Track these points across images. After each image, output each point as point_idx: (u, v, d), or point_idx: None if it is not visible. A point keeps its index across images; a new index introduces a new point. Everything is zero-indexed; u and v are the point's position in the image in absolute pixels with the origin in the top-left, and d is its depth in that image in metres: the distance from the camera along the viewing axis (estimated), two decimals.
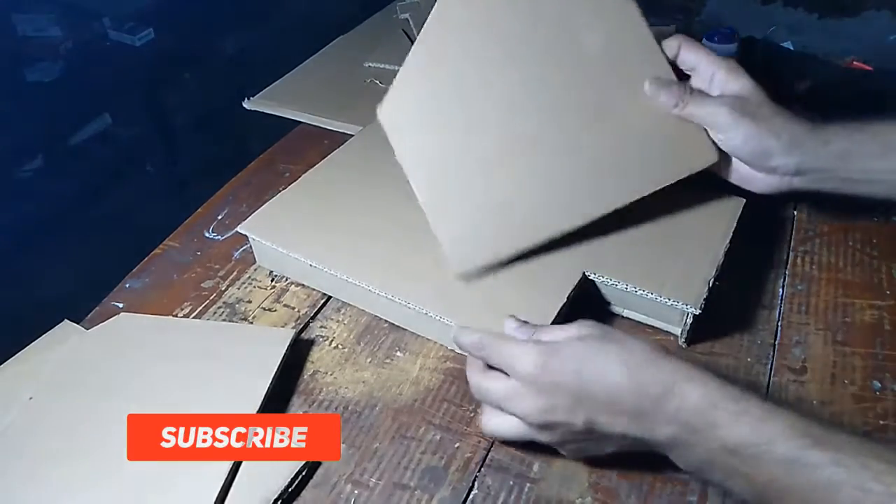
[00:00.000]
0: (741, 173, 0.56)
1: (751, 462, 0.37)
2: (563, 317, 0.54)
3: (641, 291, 0.54)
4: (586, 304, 0.57)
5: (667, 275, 0.54)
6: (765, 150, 0.53)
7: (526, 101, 0.55)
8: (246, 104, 0.90)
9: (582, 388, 0.42)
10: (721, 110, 0.53)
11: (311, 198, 0.66)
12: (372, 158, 0.70)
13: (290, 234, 0.62)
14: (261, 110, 0.89)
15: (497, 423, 0.46)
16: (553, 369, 0.42)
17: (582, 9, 0.54)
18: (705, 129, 0.55)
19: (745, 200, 0.60)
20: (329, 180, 0.68)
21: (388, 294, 0.56)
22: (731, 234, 0.58)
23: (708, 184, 0.59)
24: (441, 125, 0.55)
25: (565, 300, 0.54)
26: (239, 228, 0.63)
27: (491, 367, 0.46)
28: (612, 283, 0.55)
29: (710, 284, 0.53)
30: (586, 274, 0.56)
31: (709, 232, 0.58)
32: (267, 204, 0.65)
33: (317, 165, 0.70)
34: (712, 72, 0.54)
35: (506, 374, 0.45)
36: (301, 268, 0.61)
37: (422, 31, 0.54)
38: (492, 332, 0.47)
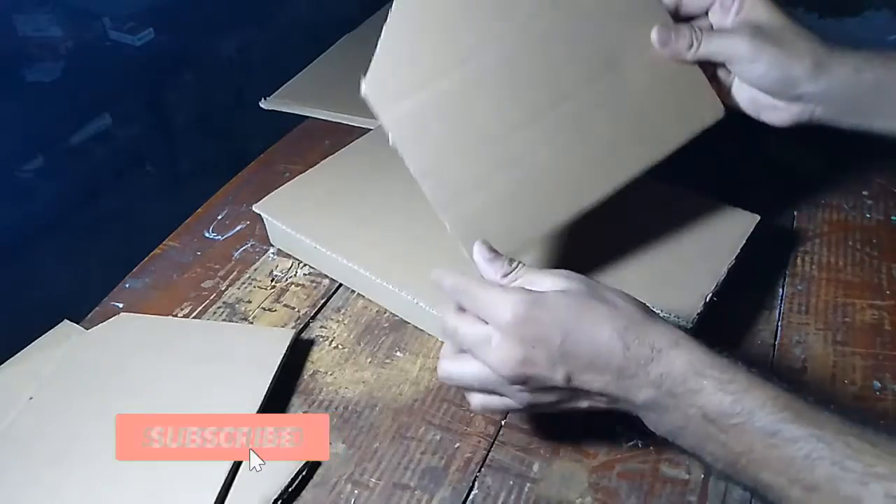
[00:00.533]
0: (760, 104, 0.52)
1: (729, 431, 0.37)
2: None
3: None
4: None
5: (665, 286, 0.54)
6: (789, 77, 0.49)
7: (526, 58, 0.49)
8: (263, 104, 0.90)
9: (566, 343, 0.40)
10: (740, 40, 0.50)
11: (329, 183, 0.67)
12: (393, 152, 0.70)
13: (303, 217, 0.63)
14: (279, 109, 0.90)
15: (458, 368, 0.43)
16: (537, 321, 0.40)
17: None
18: (712, 77, 0.53)
19: (758, 218, 0.59)
20: (348, 167, 0.69)
21: (391, 285, 0.56)
22: (739, 250, 0.56)
23: (724, 198, 0.60)
24: (434, 93, 0.48)
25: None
26: (254, 207, 0.64)
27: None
28: None
29: (707, 300, 0.53)
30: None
31: (716, 246, 0.57)
32: (284, 185, 0.66)
33: (338, 152, 0.71)
34: (731, 1, 0.51)
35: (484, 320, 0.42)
36: (309, 251, 0.62)
37: None
38: (471, 276, 0.44)
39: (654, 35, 0.51)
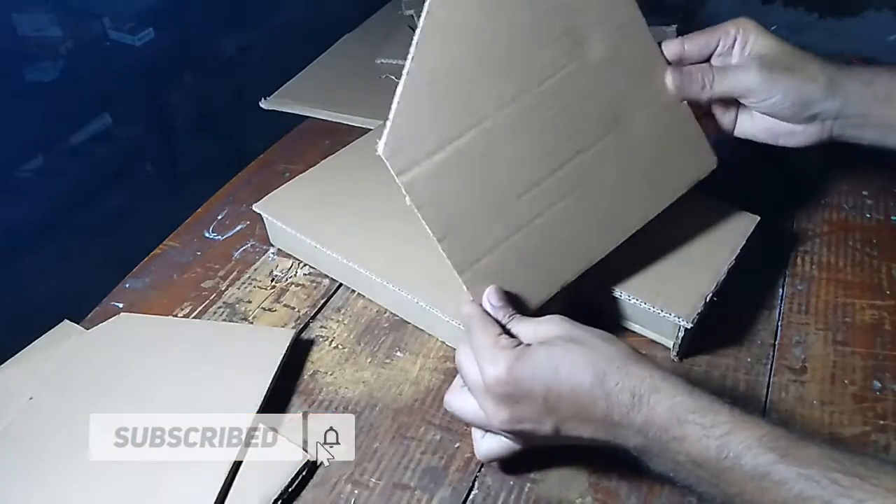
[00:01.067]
0: (778, 130, 0.54)
1: (719, 475, 0.37)
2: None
3: (634, 300, 0.53)
4: (584, 314, 0.56)
5: (664, 286, 0.54)
6: (805, 99, 0.51)
7: (539, 115, 0.50)
8: (263, 104, 0.90)
9: (549, 399, 0.41)
10: (752, 74, 0.51)
11: (329, 183, 0.67)
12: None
13: (303, 217, 0.63)
14: (279, 109, 0.90)
15: (459, 403, 0.45)
16: (520, 378, 0.41)
17: (584, 13, 0.50)
18: (725, 114, 0.55)
19: (758, 218, 0.59)
20: (348, 167, 0.69)
21: (391, 285, 0.56)
22: (739, 251, 0.56)
23: (724, 197, 0.60)
24: (451, 154, 0.48)
25: (558, 289, 0.52)
26: (255, 206, 0.65)
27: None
28: (612, 292, 0.55)
29: (707, 300, 0.52)
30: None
31: (716, 247, 0.57)
32: (284, 185, 0.67)
33: (338, 152, 0.71)
34: (732, 40, 0.52)
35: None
36: (309, 251, 0.63)
37: (412, 51, 0.47)
38: (481, 313, 0.46)
39: (668, 79, 0.52)
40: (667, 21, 0.92)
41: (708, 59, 0.54)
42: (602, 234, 0.53)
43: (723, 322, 0.56)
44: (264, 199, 0.65)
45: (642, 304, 0.53)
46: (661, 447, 0.39)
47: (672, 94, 0.53)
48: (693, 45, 0.53)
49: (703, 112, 0.56)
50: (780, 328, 0.57)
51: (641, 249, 0.57)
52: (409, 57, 0.45)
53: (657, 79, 0.53)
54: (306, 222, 0.63)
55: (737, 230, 0.58)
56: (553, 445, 0.45)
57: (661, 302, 0.52)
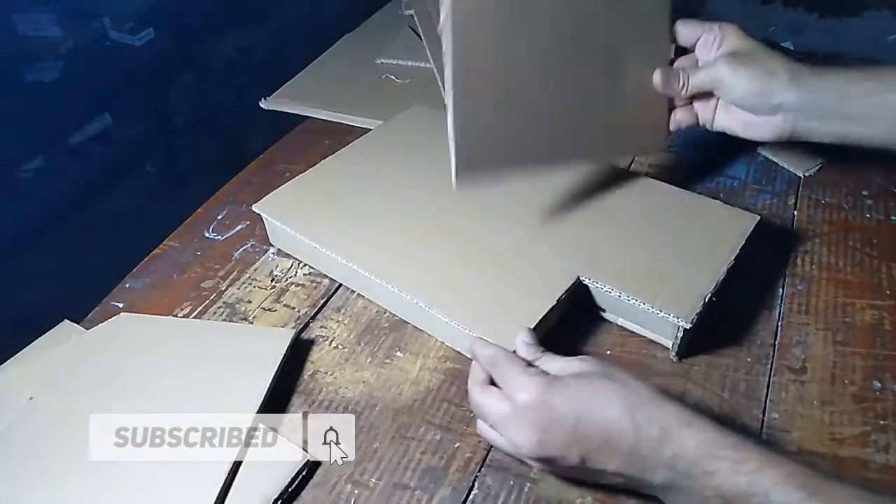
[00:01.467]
0: (748, 123, 0.59)
1: None
2: (554, 320, 0.54)
3: (633, 300, 0.53)
4: (582, 309, 0.57)
5: (663, 286, 0.54)
6: (766, 89, 0.56)
7: (569, 26, 0.56)
8: (263, 104, 0.90)
9: (578, 428, 0.41)
10: (718, 68, 0.58)
11: (329, 183, 0.67)
12: (393, 152, 0.71)
13: (303, 217, 0.63)
14: (279, 109, 0.90)
15: (491, 434, 0.46)
16: (550, 405, 0.42)
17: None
18: (704, 107, 0.62)
19: (758, 218, 0.59)
20: (348, 167, 0.69)
21: (390, 285, 0.56)
22: (738, 250, 0.56)
23: (724, 196, 0.61)
24: (501, 18, 0.53)
25: (555, 303, 0.53)
26: (254, 207, 0.65)
27: (493, 383, 0.46)
28: (605, 289, 0.55)
29: (706, 300, 0.52)
30: (581, 278, 0.55)
31: (716, 246, 0.57)
32: (284, 185, 0.67)
33: (338, 152, 0.71)
34: (713, 37, 0.59)
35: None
36: (309, 251, 0.63)
37: None
38: (504, 350, 0.47)
39: (655, 77, 0.60)
40: None
41: (693, 46, 0.61)
42: (566, 145, 0.59)
43: (723, 322, 0.56)
44: (264, 199, 0.65)
45: (641, 304, 0.53)
46: (690, 482, 0.39)
47: (657, 88, 0.60)
48: (684, 30, 0.60)
49: (685, 104, 0.62)
50: (780, 328, 0.57)
51: (640, 249, 0.57)
52: None
53: (659, 54, 0.61)
54: (306, 222, 0.63)
55: (736, 230, 0.58)
56: (576, 478, 0.46)
57: (660, 302, 0.52)
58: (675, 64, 0.62)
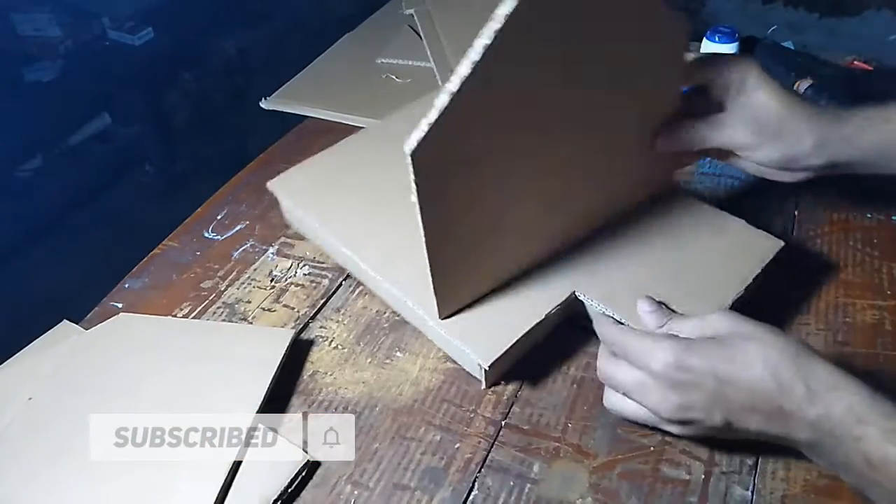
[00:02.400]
0: (766, 172, 0.56)
1: (894, 479, 0.37)
2: (544, 331, 0.54)
3: (623, 320, 0.51)
4: (578, 328, 0.56)
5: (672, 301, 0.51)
6: (792, 158, 0.53)
7: (565, 121, 0.49)
8: (263, 104, 0.90)
9: (721, 388, 0.41)
10: (738, 133, 0.53)
11: (345, 164, 0.67)
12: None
13: (314, 199, 0.63)
14: (279, 109, 0.90)
15: (622, 403, 0.46)
16: (689, 367, 0.42)
17: (631, 20, 0.48)
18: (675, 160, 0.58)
19: (782, 244, 0.56)
20: (367, 148, 0.69)
21: (385, 281, 0.56)
22: (751, 280, 0.53)
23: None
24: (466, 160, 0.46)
25: (542, 318, 0.52)
26: (268, 184, 0.65)
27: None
28: (598, 306, 0.53)
29: None
30: (576, 293, 0.54)
31: (728, 272, 0.54)
32: (302, 163, 0.67)
33: (357, 132, 0.71)
34: (731, 83, 0.53)
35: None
36: (315, 233, 0.63)
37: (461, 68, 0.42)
38: (628, 326, 0.47)
39: (658, 144, 0.56)
40: None
41: (708, 84, 0.54)
42: (564, 230, 0.56)
43: None
44: (279, 176, 0.66)
45: (629, 323, 0.50)
46: (835, 444, 0.39)
47: (659, 151, 0.56)
48: (700, 68, 0.54)
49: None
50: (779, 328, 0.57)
51: (647, 269, 0.55)
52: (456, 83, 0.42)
53: (662, 105, 0.55)
54: (316, 205, 0.63)
55: (755, 255, 0.55)
56: (720, 437, 0.45)
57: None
58: (686, 102, 0.56)
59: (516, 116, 0.46)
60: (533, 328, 0.52)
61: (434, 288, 0.50)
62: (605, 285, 0.54)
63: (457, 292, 0.52)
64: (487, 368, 0.50)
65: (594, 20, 0.46)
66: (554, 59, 0.45)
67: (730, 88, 0.53)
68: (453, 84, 0.41)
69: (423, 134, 0.42)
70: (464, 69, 0.40)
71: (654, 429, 0.47)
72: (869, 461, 0.38)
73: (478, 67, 0.40)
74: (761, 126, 0.52)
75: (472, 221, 0.50)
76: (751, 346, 0.42)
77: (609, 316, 0.51)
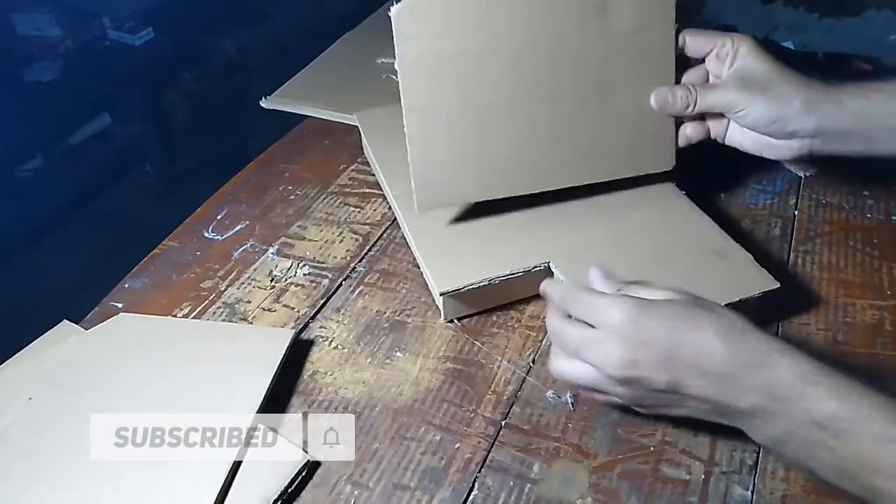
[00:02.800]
0: (762, 143, 0.58)
1: (840, 436, 0.37)
2: (511, 295, 0.58)
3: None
4: None
5: None
6: (781, 118, 0.55)
7: (542, 55, 0.55)
8: (263, 103, 0.90)
9: (672, 348, 0.41)
10: (732, 93, 0.56)
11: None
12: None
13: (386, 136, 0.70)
14: (279, 108, 0.90)
15: (568, 366, 0.45)
16: (643, 325, 0.42)
17: None
18: (676, 137, 0.60)
19: (776, 285, 0.53)
20: None
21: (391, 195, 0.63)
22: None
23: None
24: (453, 46, 0.53)
25: (508, 273, 0.55)
26: (356, 114, 0.72)
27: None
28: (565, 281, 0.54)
29: None
30: (550, 265, 0.56)
31: (703, 289, 0.51)
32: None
33: None
34: (726, 52, 0.56)
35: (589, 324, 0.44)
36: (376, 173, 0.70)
37: None
38: (579, 285, 0.47)
39: (652, 99, 0.58)
40: None
41: (703, 59, 0.59)
42: (547, 173, 0.59)
43: None
44: (365, 111, 0.73)
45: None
46: (781, 405, 0.39)
47: (655, 109, 0.59)
48: (694, 41, 0.58)
49: (695, 119, 0.60)
50: (780, 328, 0.57)
51: (632, 264, 0.55)
52: None
53: (659, 70, 0.58)
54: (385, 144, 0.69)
55: (741, 285, 0.53)
56: (655, 412, 0.45)
57: None
58: (684, 79, 0.60)
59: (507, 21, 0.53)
60: (497, 281, 0.55)
61: (412, 170, 0.55)
62: (581, 268, 0.54)
63: (434, 184, 0.56)
64: (440, 295, 0.55)
65: None
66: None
67: (725, 60, 0.57)
68: None
69: None
70: None
71: (624, 409, 0.46)
72: (814, 420, 0.38)
73: None
74: (752, 83, 0.55)
75: (455, 111, 0.54)
76: (705, 313, 0.42)
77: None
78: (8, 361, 0.56)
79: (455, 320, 0.58)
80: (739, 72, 0.56)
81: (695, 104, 0.57)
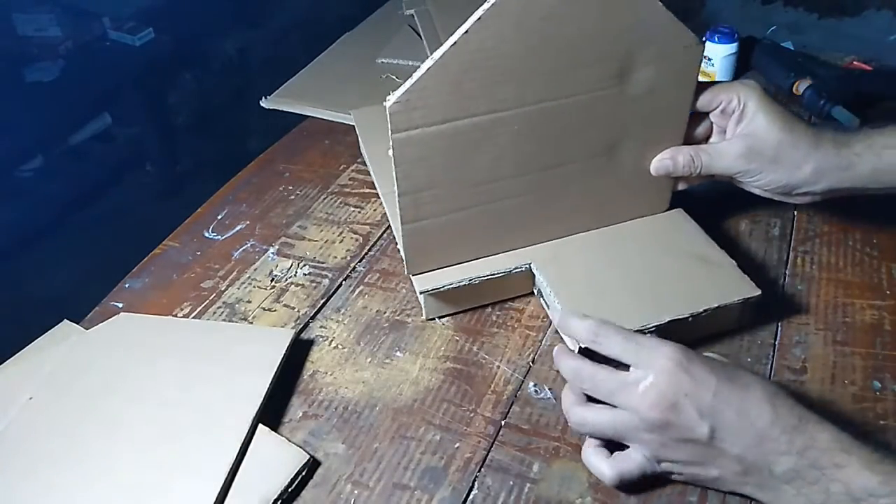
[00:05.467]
0: (773, 195, 0.57)
1: None
2: (494, 296, 0.59)
3: (559, 305, 0.53)
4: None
5: (598, 311, 0.50)
6: (790, 185, 0.55)
7: (550, 122, 0.52)
8: (263, 103, 0.90)
9: (717, 398, 0.41)
10: (737, 162, 0.55)
11: None
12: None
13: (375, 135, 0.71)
14: (279, 108, 0.90)
15: (593, 414, 0.44)
16: (693, 372, 0.42)
17: (650, 44, 0.51)
18: (672, 183, 0.59)
19: (757, 292, 0.53)
20: None
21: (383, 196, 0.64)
22: (702, 309, 0.51)
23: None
24: (447, 133, 0.50)
25: (489, 274, 0.56)
26: (352, 111, 0.74)
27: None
28: (545, 283, 0.55)
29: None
30: (531, 266, 0.57)
31: (686, 299, 0.52)
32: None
33: None
34: (733, 109, 0.54)
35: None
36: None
37: (468, 25, 0.47)
38: (610, 322, 0.46)
39: (652, 167, 0.57)
40: None
41: (710, 111, 0.56)
42: (543, 230, 0.58)
43: None
44: (361, 109, 0.75)
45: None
46: (816, 473, 0.39)
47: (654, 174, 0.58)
48: (700, 96, 0.56)
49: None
50: (780, 328, 0.57)
51: (617, 274, 0.56)
52: (462, 30, 0.46)
53: (669, 131, 0.57)
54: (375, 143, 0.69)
55: (722, 293, 0.53)
56: (678, 477, 0.44)
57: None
58: (688, 131, 0.57)
59: (500, 90, 0.49)
60: (478, 281, 0.56)
61: (403, 245, 0.55)
62: (564, 272, 0.56)
63: (426, 254, 0.56)
64: (420, 294, 0.56)
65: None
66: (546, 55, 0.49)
67: (731, 115, 0.55)
68: (437, 52, 0.46)
69: (402, 91, 0.47)
70: (448, 41, 0.46)
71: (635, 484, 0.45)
72: (850, 492, 0.38)
73: (461, 39, 0.46)
74: (760, 154, 0.54)
75: (452, 189, 0.53)
76: (750, 374, 0.43)
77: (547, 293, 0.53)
78: (8, 361, 0.56)
79: (455, 320, 0.59)
80: (748, 138, 0.54)
81: (699, 171, 0.56)
